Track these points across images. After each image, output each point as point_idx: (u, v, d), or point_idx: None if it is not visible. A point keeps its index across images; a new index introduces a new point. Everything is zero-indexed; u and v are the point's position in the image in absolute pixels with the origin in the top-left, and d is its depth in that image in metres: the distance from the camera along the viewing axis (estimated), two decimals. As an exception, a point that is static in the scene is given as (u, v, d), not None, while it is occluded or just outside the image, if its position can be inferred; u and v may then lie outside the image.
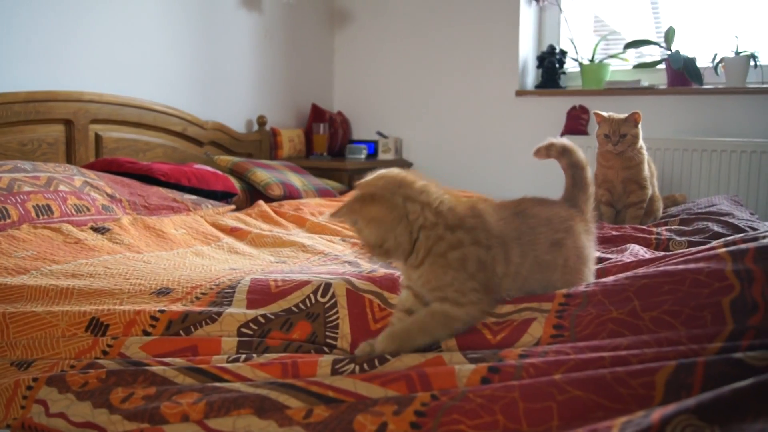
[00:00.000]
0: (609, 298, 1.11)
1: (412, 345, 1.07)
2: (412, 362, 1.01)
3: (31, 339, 1.25)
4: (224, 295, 1.29)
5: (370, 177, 1.14)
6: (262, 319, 1.22)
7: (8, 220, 1.95)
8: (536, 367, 0.93)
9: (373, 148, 4.07)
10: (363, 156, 3.87)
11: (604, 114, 2.37)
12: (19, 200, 2.04)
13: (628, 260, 1.41)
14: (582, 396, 0.85)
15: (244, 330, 1.20)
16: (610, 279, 1.19)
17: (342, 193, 3.36)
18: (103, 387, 1.08)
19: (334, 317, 1.21)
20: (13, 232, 1.80)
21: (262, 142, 3.70)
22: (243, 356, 1.11)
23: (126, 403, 1.03)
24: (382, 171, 1.14)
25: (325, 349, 1.15)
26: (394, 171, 1.14)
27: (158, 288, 1.35)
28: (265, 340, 1.16)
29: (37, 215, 2.03)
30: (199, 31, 3.38)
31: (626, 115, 2.34)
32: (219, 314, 1.22)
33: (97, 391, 1.07)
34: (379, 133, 4.05)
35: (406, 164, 4.05)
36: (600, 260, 1.68)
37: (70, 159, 2.74)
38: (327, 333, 1.19)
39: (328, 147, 3.93)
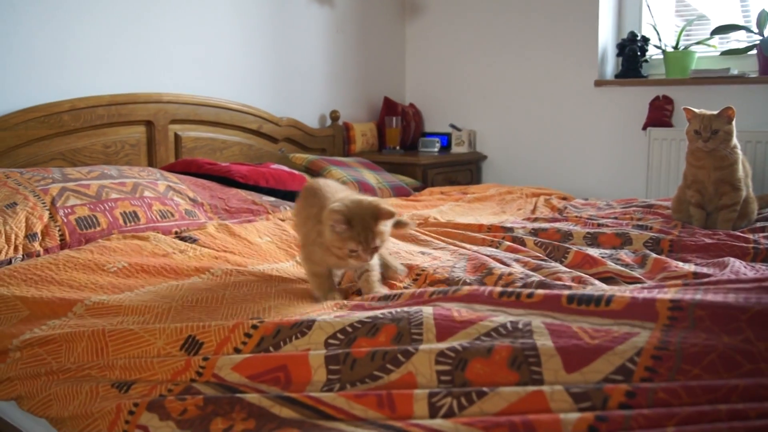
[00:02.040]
0: (719, 325, 1.06)
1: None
2: (512, 397, 0.98)
3: (129, 359, 1.28)
4: None
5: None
6: (349, 329, 1.22)
7: (98, 228, 2.01)
8: (646, 418, 0.89)
9: (446, 141, 4.01)
10: (436, 149, 3.82)
11: (695, 110, 2.25)
12: (107, 208, 2.10)
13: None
14: (698, 453, 0.81)
15: (331, 341, 1.20)
16: (717, 298, 1.12)
17: (416, 189, 3.33)
18: (202, 416, 1.09)
19: (418, 319, 1.21)
20: (104, 243, 1.85)
21: (336, 137, 3.71)
22: (336, 386, 1.11)
23: (226, 436, 1.04)
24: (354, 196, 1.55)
25: (410, 349, 1.13)
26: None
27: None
28: (351, 351, 1.15)
29: (125, 222, 2.08)
30: (272, 27, 3.40)
31: (719, 110, 2.22)
32: (309, 327, 1.23)
33: (197, 420, 1.08)
34: (453, 126, 3.98)
35: (480, 157, 3.99)
36: (696, 275, 1.61)
37: (151, 159, 2.81)
38: (412, 332, 1.18)
39: (401, 140, 3.90)
